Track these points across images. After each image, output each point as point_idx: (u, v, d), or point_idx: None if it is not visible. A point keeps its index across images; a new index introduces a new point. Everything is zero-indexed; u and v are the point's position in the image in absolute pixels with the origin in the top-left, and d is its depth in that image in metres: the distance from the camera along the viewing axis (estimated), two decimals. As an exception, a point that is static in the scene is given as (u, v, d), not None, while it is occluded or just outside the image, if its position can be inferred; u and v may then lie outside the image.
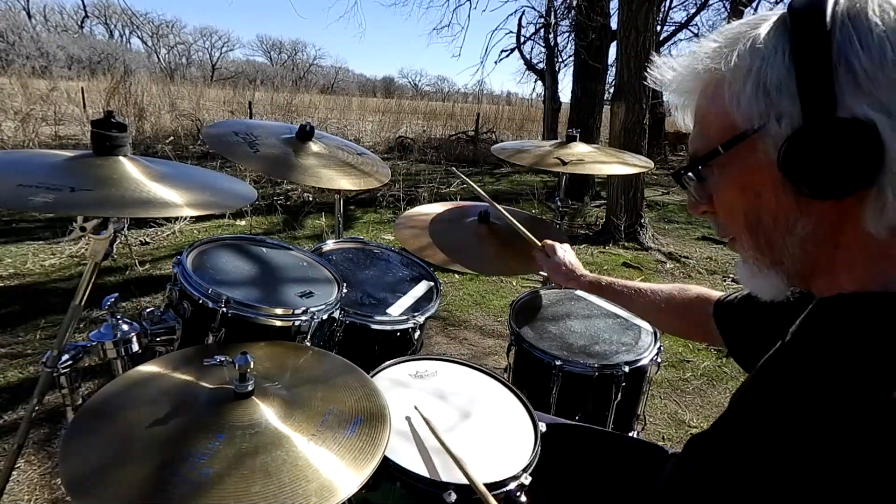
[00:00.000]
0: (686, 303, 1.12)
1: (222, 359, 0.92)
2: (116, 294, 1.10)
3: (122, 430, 0.83)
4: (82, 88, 10.95)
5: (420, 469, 0.93)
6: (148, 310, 1.16)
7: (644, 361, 1.44)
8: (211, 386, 0.92)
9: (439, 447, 1.01)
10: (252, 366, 0.87)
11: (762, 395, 0.54)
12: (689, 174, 0.63)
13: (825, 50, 0.50)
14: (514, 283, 4.08)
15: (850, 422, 0.45)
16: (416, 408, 1.06)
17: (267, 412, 0.87)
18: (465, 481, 0.92)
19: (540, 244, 1.43)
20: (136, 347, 1.10)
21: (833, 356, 0.50)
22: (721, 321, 1.01)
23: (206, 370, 0.96)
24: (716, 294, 1.07)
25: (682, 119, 0.66)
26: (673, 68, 0.63)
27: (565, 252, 1.40)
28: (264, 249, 1.45)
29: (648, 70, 0.66)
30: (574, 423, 1.25)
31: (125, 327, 1.09)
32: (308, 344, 1.19)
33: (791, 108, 0.52)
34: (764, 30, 0.55)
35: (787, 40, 0.53)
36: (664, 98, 0.70)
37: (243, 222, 5.15)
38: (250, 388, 0.88)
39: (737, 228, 0.63)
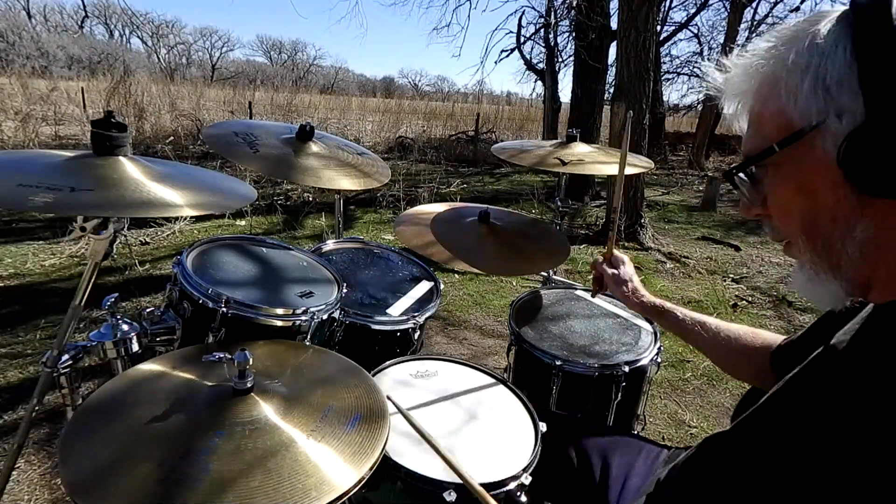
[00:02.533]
0: (754, 347, 1.02)
1: (221, 355, 0.92)
2: (116, 294, 1.10)
3: (122, 428, 0.83)
4: (82, 88, 10.94)
5: (421, 468, 0.93)
6: (148, 310, 1.16)
7: (644, 361, 1.44)
8: (210, 383, 0.92)
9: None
10: (251, 362, 0.88)
11: (805, 402, 0.52)
12: (741, 175, 0.61)
13: (891, 44, 0.49)
14: (514, 283, 4.07)
15: None
16: (388, 397, 0.99)
17: (266, 408, 0.87)
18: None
19: (609, 255, 1.34)
20: (136, 347, 1.10)
21: (888, 366, 0.48)
22: (776, 364, 0.92)
23: (206, 368, 0.96)
24: (780, 339, 0.98)
25: (735, 120, 0.64)
26: (727, 68, 0.62)
27: (630, 266, 1.30)
28: (264, 249, 1.45)
29: (702, 72, 0.64)
30: (575, 417, 1.24)
31: (125, 327, 1.09)
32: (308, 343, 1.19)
33: (852, 104, 0.51)
34: (824, 26, 0.54)
35: (850, 36, 0.52)
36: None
37: (243, 222, 5.15)
38: (249, 385, 0.88)
39: (792, 231, 0.61)
